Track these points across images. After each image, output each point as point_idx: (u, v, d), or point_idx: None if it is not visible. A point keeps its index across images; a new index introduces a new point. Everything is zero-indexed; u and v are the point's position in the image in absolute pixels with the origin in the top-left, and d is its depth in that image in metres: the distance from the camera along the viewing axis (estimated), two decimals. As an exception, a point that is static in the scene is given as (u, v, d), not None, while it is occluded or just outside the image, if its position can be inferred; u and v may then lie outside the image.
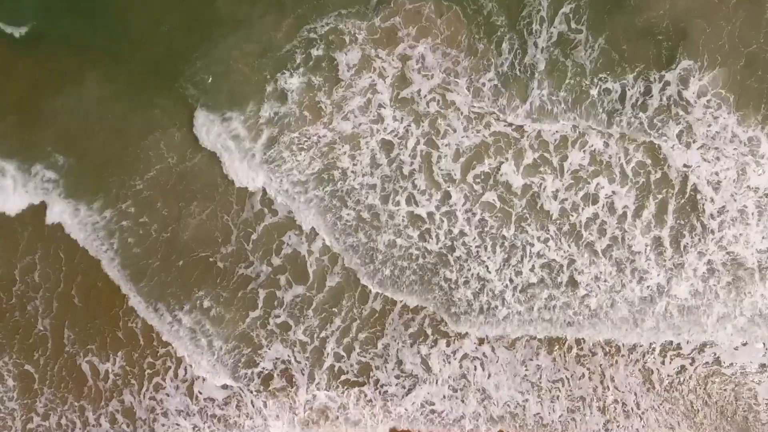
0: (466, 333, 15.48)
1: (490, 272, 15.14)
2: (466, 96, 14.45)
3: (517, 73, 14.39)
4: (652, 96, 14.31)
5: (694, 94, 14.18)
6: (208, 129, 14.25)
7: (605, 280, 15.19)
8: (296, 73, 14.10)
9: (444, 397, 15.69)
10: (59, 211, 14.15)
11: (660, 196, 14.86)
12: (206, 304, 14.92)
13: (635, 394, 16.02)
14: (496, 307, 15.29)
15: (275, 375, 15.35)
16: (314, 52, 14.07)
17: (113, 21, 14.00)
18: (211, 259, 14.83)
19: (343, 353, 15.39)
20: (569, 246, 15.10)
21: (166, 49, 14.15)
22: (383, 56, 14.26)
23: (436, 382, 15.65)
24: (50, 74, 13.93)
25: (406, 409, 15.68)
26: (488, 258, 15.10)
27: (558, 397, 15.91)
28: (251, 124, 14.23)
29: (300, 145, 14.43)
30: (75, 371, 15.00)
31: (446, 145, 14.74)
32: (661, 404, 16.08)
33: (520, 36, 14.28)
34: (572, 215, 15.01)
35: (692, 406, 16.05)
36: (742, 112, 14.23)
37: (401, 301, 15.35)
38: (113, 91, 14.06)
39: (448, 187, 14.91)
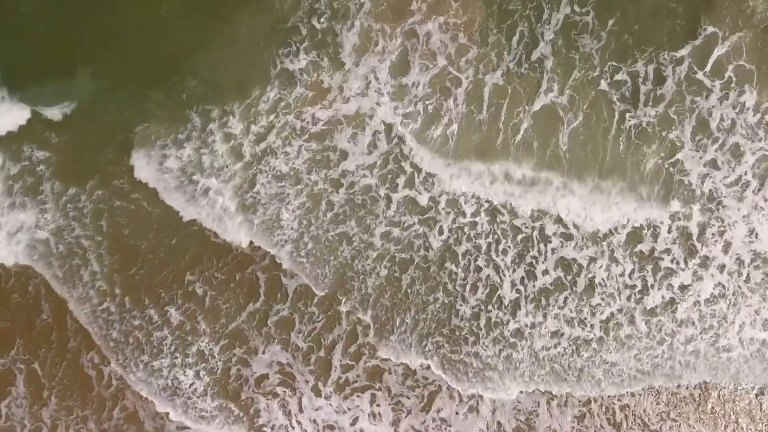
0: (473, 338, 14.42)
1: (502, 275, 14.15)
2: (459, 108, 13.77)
3: (523, 71, 13.72)
4: (664, 86, 13.55)
5: (712, 76, 13.44)
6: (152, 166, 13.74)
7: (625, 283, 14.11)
8: (301, 49, 13.58)
9: (458, 414, 14.51)
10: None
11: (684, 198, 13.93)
12: (199, 291, 14.17)
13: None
14: (508, 321, 14.25)
15: (271, 375, 14.43)
16: (317, 25, 13.55)
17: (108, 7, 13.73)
18: (206, 233, 14.14)
19: (351, 362, 14.41)
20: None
21: (165, 38, 13.82)
22: (387, 32, 13.63)
23: (450, 392, 14.53)
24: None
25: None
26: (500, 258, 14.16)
27: (566, 402, 14.67)
28: (253, 112, 13.71)
29: (294, 130, 13.80)
30: (79, 375, 14.32)
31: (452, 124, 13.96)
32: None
33: (529, 24, 13.65)
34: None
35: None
36: (758, 88, 13.45)
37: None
38: (108, 84, 13.72)
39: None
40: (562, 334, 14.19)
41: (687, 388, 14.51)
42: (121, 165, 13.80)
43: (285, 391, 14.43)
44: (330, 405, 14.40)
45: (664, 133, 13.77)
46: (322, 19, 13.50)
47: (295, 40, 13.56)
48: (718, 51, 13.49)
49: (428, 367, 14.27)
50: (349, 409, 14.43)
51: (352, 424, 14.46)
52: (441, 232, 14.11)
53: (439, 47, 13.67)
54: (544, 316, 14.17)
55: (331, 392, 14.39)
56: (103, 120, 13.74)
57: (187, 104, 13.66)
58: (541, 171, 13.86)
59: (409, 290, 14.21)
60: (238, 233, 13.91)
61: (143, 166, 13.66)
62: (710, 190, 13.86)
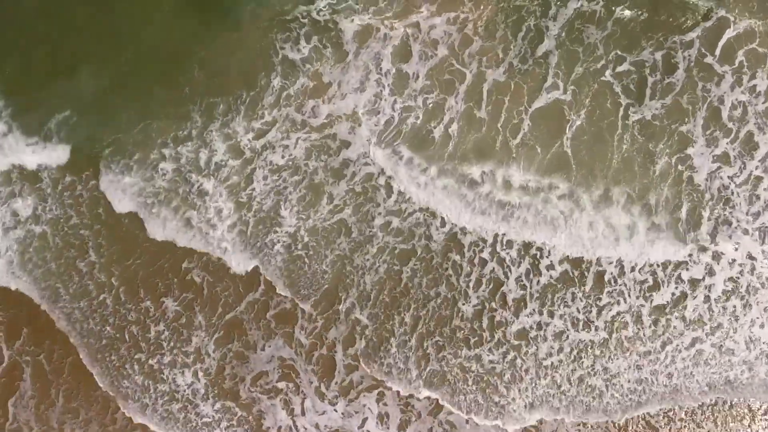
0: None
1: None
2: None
3: (527, 67, 13.38)
4: (674, 75, 13.16)
5: (722, 61, 13.06)
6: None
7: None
8: (302, 35, 13.38)
9: (467, 422, 13.79)
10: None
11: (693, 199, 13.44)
12: (197, 278, 13.70)
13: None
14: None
15: (271, 372, 13.89)
16: (317, 17, 13.42)
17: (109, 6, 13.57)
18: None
19: (354, 362, 13.81)
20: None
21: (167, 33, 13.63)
22: (389, 25, 13.40)
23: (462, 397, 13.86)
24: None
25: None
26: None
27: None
28: (259, 106, 13.44)
29: (295, 124, 13.51)
30: (84, 372, 13.84)
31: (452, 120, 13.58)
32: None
33: (535, 18, 13.37)
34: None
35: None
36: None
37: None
38: (108, 82, 13.53)
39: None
40: (567, 337, 13.62)
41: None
42: (117, 157, 13.57)
43: (288, 385, 13.83)
44: (336, 411, 13.79)
45: (674, 126, 13.34)
46: (324, 14, 13.41)
47: (295, 26, 13.42)
48: (729, 34, 13.16)
49: (428, 396, 13.76)
50: (356, 412, 13.77)
51: (360, 426, 13.80)
52: (443, 224, 13.67)
53: (442, 37, 13.42)
54: (551, 314, 13.62)
55: (336, 396, 13.81)
56: (103, 115, 13.54)
57: (190, 99, 13.44)
58: (545, 176, 13.41)
59: (410, 283, 13.69)
60: (233, 253, 13.64)
61: (118, 195, 13.49)
62: (719, 188, 13.40)
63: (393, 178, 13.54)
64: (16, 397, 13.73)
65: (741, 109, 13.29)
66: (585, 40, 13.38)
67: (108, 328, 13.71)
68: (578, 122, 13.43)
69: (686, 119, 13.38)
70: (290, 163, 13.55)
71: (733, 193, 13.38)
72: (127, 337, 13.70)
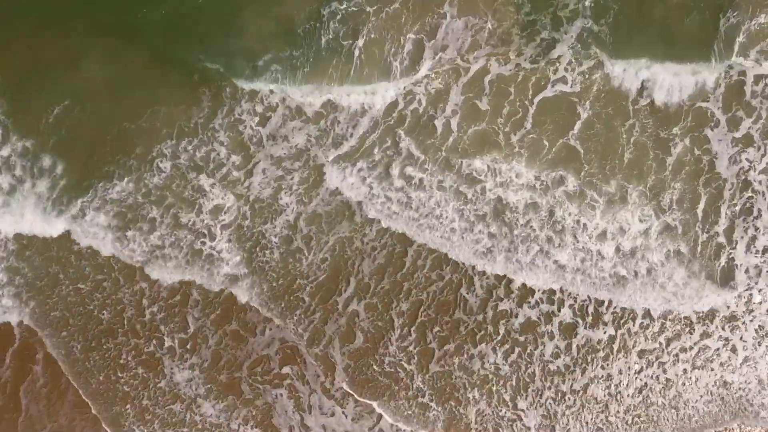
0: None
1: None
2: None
3: (537, 66, 12.80)
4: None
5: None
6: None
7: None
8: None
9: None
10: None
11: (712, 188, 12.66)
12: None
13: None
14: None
15: (273, 355, 13.31)
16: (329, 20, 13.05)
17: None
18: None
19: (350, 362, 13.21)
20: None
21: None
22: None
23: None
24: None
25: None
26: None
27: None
28: (260, 94, 13.10)
29: (292, 111, 13.10)
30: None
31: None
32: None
33: (549, 28, 12.86)
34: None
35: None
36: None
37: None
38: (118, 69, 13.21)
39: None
40: (576, 333, 12.92)
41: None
42: (118, 154, 13.20)
43: (292, 368, 13.28)
44: (345, 415, 13.23)
45: (689, 103, 12.59)
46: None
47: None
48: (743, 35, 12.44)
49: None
50: (368, 413, 13.19)
51: (371, 428, 13.24)
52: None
53: (455, 43, 12.96)
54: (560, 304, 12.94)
55: (345, 395, 13.24)
56: (106, 107, 13.20)
57: (202, 83, 13.10)
58: (554, 170, 12.74)
59: (411, 268, 13.08)
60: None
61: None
62: (738, 171, 12.60)
63: (365, 205, 13.02)
64: (29, 382, 13.45)
65: (763, 84, 12.49)
66: (598, 38, 12.85)
67: (105, 313, 13.36)
68: (585, 113, 12.79)
69: (709, 96, 12.62)
70: (292, 149, 13.11)
71: (754, 180, 12.60)
72: (125, 323, 13.38)
